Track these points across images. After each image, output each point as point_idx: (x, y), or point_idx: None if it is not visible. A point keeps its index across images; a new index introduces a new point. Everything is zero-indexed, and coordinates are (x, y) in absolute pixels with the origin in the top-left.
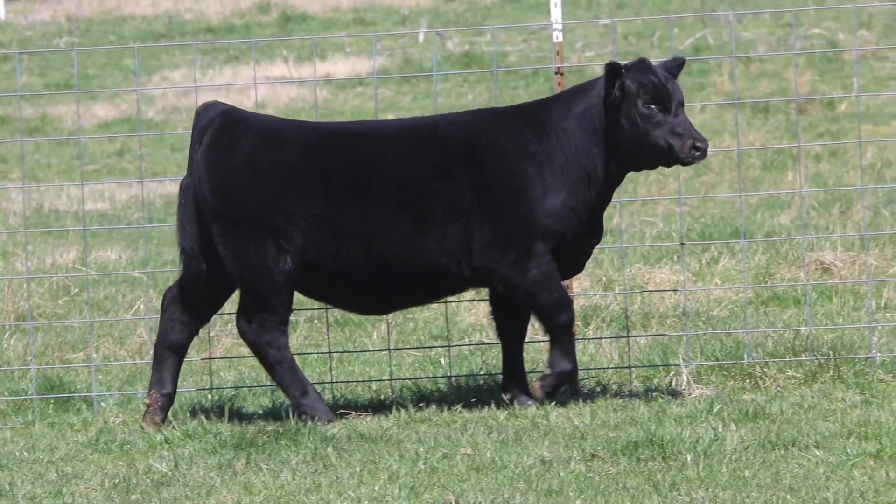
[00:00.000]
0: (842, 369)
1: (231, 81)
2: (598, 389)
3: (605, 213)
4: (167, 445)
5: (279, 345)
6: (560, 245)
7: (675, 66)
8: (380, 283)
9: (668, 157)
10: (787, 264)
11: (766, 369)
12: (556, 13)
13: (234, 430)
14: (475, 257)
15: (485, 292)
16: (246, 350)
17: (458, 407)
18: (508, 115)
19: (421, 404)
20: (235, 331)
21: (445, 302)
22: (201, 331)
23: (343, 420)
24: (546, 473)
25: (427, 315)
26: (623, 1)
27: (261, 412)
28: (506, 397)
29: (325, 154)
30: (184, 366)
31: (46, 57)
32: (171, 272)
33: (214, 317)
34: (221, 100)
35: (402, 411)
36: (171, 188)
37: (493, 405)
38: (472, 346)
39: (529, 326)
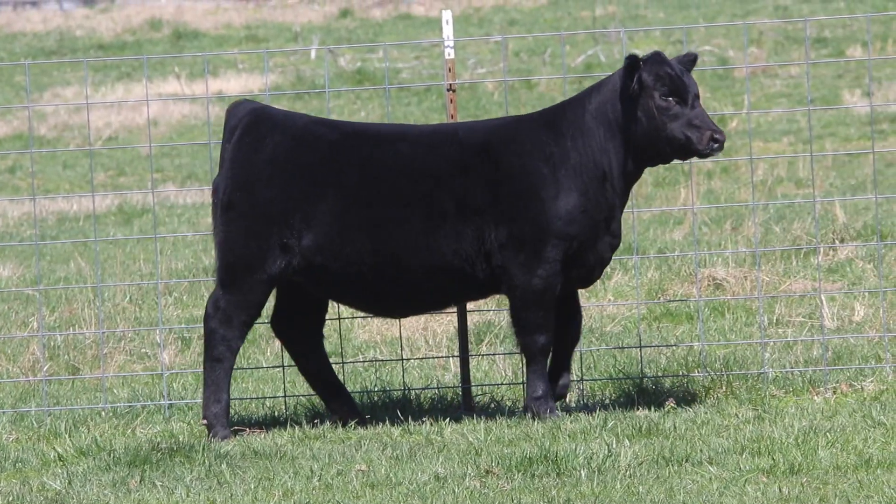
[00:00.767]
0: (734, 385)
1: (123, 98)
2: (492, 406)
3: None
4: (61, 463)
5: (232, 346)
6: (573, 248)
7: (689, 60)
8: (395, 285)
9: (685, 150)
10: (680, 280)
11: (659, 385)
12: (447, 30)
13: (128, 447)
14: (494, 256)
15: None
16: (139, 367)
17: (352, 423)
18: (527, 120)
19: (315, 421)
20: (129, 347)
21: (339, 318)
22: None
23: (237, 437)
24: (441, 490)
25: None
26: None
27: (155, 429)
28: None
29: (348, 154)
30: (76, 383)
31: None
32: (63, 289)
33: (108, 334)
34: (114, 117)
35: (297, 428)
36: (64, 205)
37: (387, 422)
38: (366, 363)
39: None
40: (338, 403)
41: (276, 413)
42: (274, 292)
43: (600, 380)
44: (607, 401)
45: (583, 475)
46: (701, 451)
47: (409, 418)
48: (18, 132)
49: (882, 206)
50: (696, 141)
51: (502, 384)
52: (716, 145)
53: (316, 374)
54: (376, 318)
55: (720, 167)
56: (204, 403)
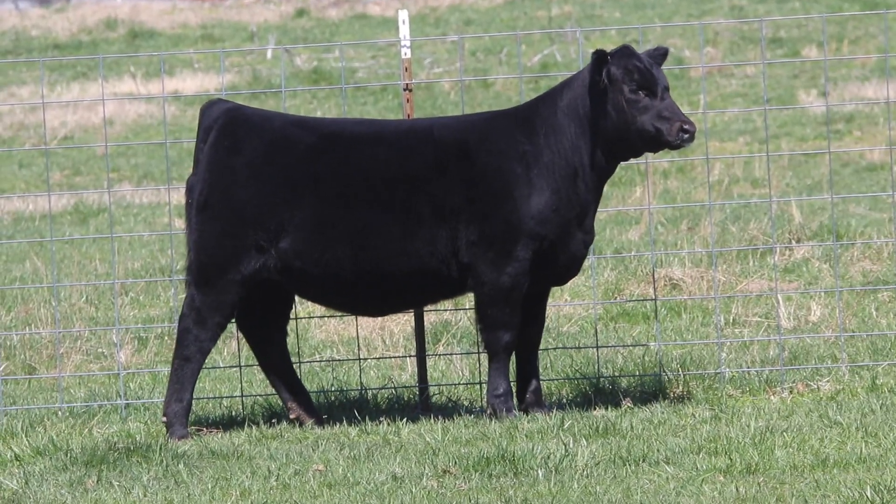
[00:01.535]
0: (691, 385)
1: (79, 98)
2: (450, 405)
3: None
4: (17, 463)
5: (203, 347)
6: (544, 247)
7: (660, 55)
8: (371, 285)
9: (656, 142)
10: (637, 280)
11: (616, 385)
12: (403, 30)
13: (85, 446)
14: (461, 253)
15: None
16: (95, 366)
17: (310, 423)
18: (501, 117)
19: (272, 421)
20: (86, 347)
21: (296, 318)
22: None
23: (195, 437)
24: (398, 490)
25: None
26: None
27: (112, 429)
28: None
29: (325, 158)
30: (33, 383)
31: None
32: (19, 288)
33: (64, 334)
34: (70, 116)
35: (254, 428)
36: (19, 205)
37: (344, 422)
38: (322, 363)
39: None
40: (296, 402)
41: (234, 413)
42: None
43: (557, 380)
44: (564, 401)
45: (540, 475)
46: (658, 450)
47: (367, 418)
48: None
49: (838, 206)
50: (666, 132)
51: (459, 384)
52: (686, 136)
53: (277, 371)
54: (337, 317)
55: (676, 167)
56: (166, 401)
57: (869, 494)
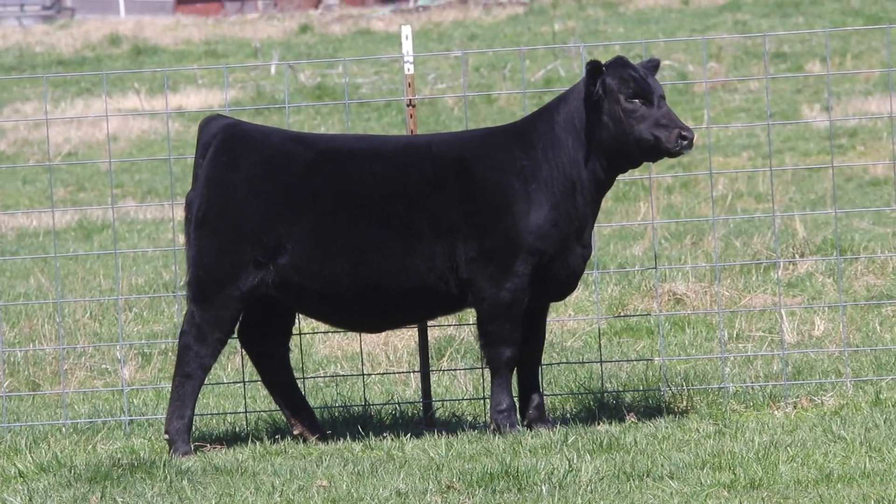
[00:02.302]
0: (695, 399)
1: (83, 114)
2: (454, 421)
3: None
4: (21, 479)
5: (204, 363)
6: (543, 262)
7: (652, 66)
8: (370, 301)
9: (655, 150)
10: (640, 295)
11: (620, 400)
12: (407, 45)
13: (89, 462)
14: (461, 269)
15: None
16: (99, 382)
17: (314, 439)
18: (499, 133)
19: (276, 436)
20: (90, 363)
21: (300, 333)
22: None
23: (198, 453)
24: None
25: None
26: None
27: (116, 445)
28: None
29: (324, 175)
30: (36, 399)
31: None
32: (23, 304)
33: (68, 350)
34: (74, 132)
35: (258, 444)
36: (23, 221)
37: (348, 437)
38: (327, 378)
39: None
40: (299, 418)
41: (237, 429)
42: None
43: (561, 394)
44: (568, 416)
45: (544, 490)
46: (662, 465)
47: (370, 434)
48: None
49: (841, 221)
50: (665, 140)
51: (463, 399)
52: (685, 142)
53: (280, 386)
54: (341, 333)
55: (680, 182)
56: (167, 418)
57: None
